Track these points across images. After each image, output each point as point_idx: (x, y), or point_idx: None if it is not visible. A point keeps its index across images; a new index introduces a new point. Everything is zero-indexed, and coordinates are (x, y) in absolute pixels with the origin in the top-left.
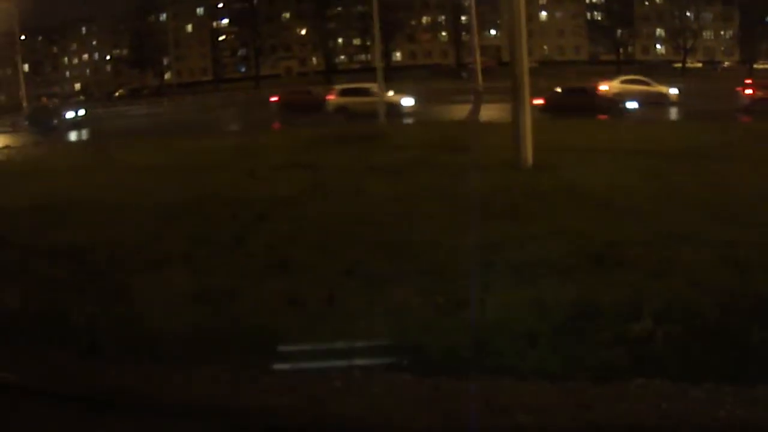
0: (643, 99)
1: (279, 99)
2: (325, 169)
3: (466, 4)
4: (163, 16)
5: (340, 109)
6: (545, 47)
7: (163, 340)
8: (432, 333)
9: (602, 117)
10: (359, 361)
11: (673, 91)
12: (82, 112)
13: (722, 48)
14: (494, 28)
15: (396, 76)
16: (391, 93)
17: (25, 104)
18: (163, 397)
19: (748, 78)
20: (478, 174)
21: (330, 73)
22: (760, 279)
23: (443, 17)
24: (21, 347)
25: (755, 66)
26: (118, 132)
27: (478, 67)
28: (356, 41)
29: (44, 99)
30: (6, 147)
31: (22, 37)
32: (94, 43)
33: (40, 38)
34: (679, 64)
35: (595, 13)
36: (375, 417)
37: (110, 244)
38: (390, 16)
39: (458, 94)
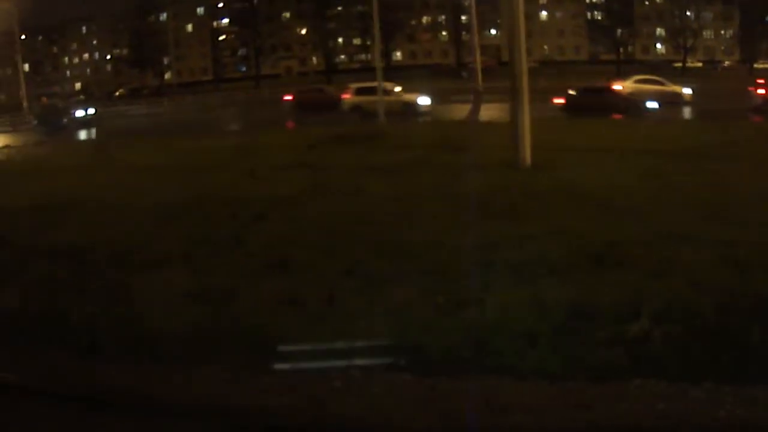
0: (659, 99)
1: (293, 98)
2: (325, 168)
3: (466, 3)
4: (163, 16)
5: (355, 108)
6: (545, 47)
7: (163, 340)
8: (432, 333)
9: (620, 116)
10: (359, 361)
11: (687, 90)
12: (92, 110)
13: (722, 47)
14: (494, 28)
15: (396, 76)
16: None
17: (25, 104)
18: (163, 397)
19: (760, 78)
20: (477, 174)
21: (330, 73)
22: (760, 279)
23: (443, 17)
24: (21, 347)
25: (755, 65)
26: (119, 132)
27: (478, 67)
28: (356, 41)
29: (44, 99)
30: (6, 146)
31: (22, 37)
32: (94, 42)
33: (40, 38)
34: (680, 64)
35: (595, 12)
36: (375, 417)
37: (110, 244)
38: (390, 16)
39: (458, 93)
